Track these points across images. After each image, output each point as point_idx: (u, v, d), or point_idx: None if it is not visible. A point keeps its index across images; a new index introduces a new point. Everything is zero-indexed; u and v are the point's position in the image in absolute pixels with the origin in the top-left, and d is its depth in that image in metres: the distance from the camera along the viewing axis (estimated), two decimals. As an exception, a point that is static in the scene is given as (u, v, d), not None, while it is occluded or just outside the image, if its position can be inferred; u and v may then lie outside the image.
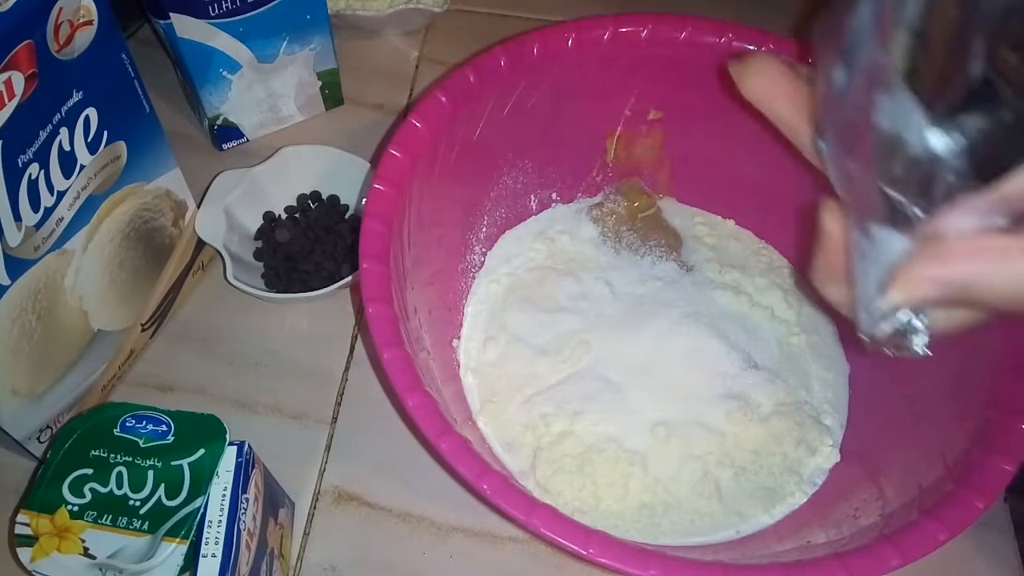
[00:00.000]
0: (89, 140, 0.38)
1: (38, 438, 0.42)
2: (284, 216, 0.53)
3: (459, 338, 0.48)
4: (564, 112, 0.48)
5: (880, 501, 0.38)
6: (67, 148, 0.36)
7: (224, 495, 0.33)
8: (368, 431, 0.47)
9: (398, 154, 0.40)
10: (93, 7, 0.35)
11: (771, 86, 0.29)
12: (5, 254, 0.35)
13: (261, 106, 0.57)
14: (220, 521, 0.33)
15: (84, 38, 0.35)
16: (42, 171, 0.35)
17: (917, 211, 0.22)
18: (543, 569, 0.43)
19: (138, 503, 0.32)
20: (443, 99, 0.41)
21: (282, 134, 0.59)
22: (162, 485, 0.33)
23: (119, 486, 0.33)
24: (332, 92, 0.59)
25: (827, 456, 0.44)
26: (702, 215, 0.53)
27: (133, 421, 0.35)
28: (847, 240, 0.25)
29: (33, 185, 0.35)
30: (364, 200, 0.39)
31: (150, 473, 0.33)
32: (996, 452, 0.35)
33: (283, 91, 0.57)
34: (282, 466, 0.42)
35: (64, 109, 0.35)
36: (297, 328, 0.51)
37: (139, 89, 0.40)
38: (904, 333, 0.25)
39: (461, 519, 0.44)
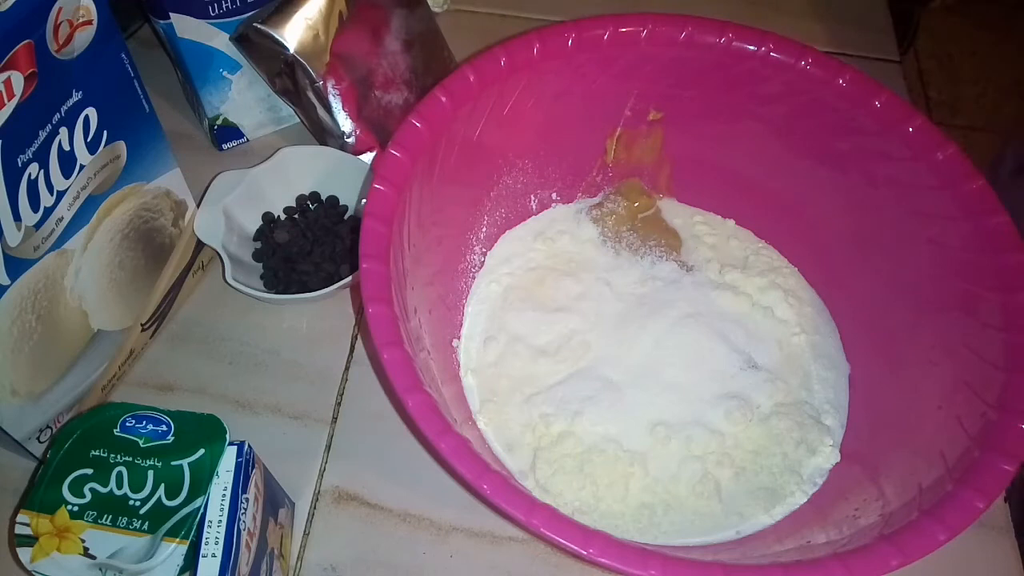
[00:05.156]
0: (89, 140, 0.37)
1: (38, 438, 0.42)
2: (283, 217, 0.53)
3: (459, 338, 0.48)
4: (564, 112, 0.48)
5: (880, 501, 0.38)
6: (67, 148, 0.36)
7: (224, 495, 0.33)
8: (368, 431, 0.47)
9: (398, 154, 0.40)
10: (93, 7, 0.35)
11: None
12: (5, 254, 0.35)
13: (261, 106, 0.57)
14: (220, 521, 0.33)
15: (84, 38, 0.35)
16: (42, 171, 0.35)
17: None
18: (543, 569, 0.43)
19: (138, 503, 0.32)
20: (443, 99, 0.41)
21: (282, 134, 0.59)
22: (162, 485, 0.33)
23: (119, 486, 0.33)
24: (332, 92, 0.59)
25: (827, 456, 0.44)
26: (702, 215, 0.53)
27: (133, 421, 0.34)
28: None
29: (33, 185, 0.35)
30: (364, 200, 0.39)
31: (150, 473, 0.33)
32: (996, 452, 0.35)
33: (283, 91, 0.57)
34: (282, 466, 0.42)
35: (64, 109, 0.35)
36: (297, 328, 0.51)
37: (139, 89, 0.40)
38: None
39: (461, 519, 0.44)
